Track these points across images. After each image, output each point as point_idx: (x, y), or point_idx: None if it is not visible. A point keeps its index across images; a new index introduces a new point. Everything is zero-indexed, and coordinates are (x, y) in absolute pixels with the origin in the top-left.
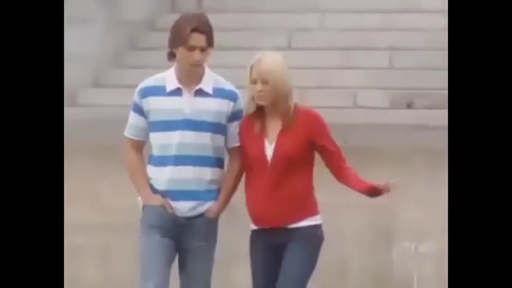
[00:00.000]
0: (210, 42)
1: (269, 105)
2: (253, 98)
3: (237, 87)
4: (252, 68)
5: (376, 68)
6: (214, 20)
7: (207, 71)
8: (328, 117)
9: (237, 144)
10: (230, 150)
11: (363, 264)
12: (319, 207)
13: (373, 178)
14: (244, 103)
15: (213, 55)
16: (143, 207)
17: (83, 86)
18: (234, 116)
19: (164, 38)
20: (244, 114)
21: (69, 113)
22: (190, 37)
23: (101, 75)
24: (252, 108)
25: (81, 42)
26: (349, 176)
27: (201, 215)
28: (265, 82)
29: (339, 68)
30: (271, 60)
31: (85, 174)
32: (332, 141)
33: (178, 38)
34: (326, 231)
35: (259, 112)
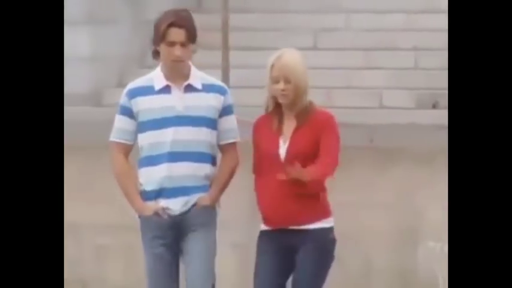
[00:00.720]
0: (190, 38)
1: (287, 104)
2: (273, 97)
3: (263, 88)
4: (272, 66)
5: (402, 68)
6: (239, 19)
7: (193, 68)
8: (354, 118)
9: (230, 140)
10: (222, 147)
11: (388, 264)
12: (344, 207)
13: (398, 177)
14: (230, 99)
15: (238, 55)
16: (139, 215)
17: (108, 86)
18: (224, 110)
19: None
20: (264, 112)
21: (95, 113)
22: (168, 32)
23: (126, 75)
24: (271, 107)
25: (106, 42)
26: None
27: (193, 206)
28: (288, 81)
29: (364, 68)
30: (292, 58)
31: (110, 174)
32: (333, 145)
33: (157, 35)
34: (350, 231)
35: (278, 110)
